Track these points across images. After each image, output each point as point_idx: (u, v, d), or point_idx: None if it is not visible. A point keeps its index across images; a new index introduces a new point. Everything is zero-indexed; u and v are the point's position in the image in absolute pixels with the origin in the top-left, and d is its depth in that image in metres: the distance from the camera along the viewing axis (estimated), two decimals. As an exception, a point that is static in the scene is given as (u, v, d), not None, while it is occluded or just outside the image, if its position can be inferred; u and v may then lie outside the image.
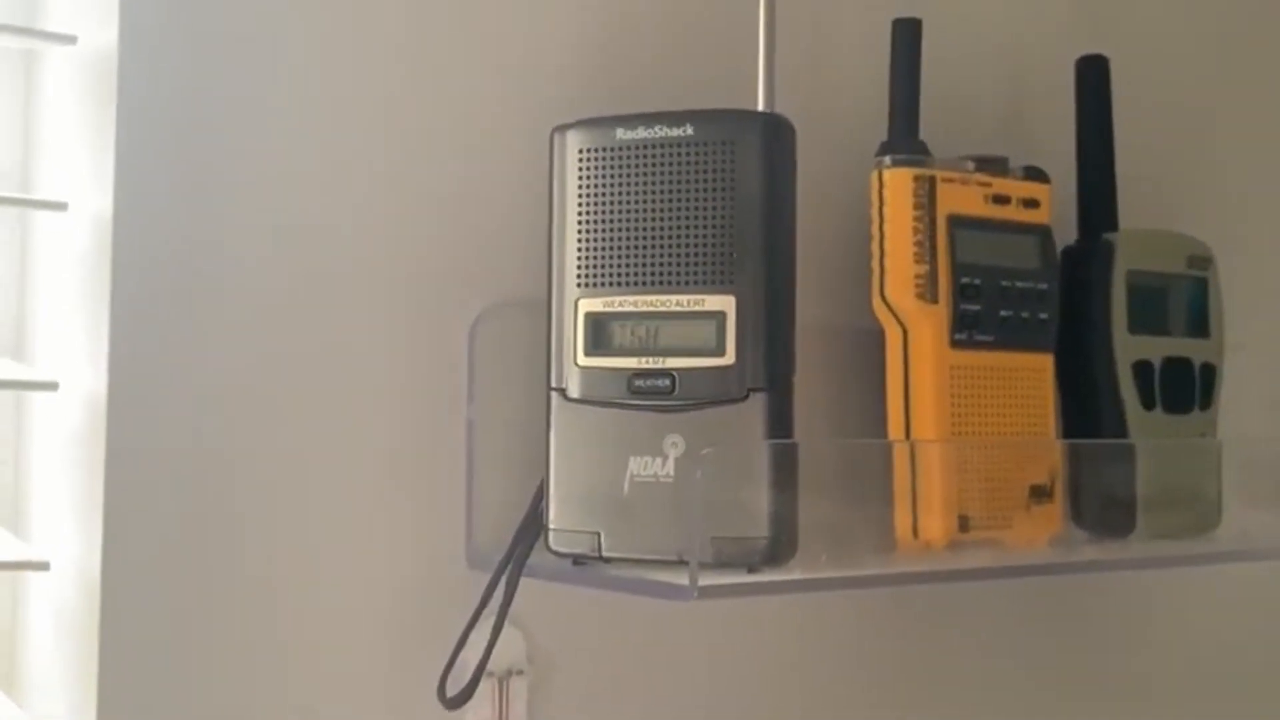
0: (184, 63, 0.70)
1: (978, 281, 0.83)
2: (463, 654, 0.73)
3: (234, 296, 0.71)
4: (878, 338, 0.83)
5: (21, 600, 0.74)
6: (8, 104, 0.74)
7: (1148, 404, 0.89)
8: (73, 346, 0.71)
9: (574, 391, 0.72)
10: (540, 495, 0.73)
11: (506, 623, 0.72)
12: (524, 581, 0.73)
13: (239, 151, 0.72)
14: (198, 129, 0.71)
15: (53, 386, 0.70)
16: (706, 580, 0.66)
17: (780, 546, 0.69)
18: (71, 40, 0.71)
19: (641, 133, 0.71)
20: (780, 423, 0.69)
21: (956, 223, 0.82)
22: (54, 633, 0.72)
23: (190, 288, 0.70)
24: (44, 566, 0.70)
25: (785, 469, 0.69)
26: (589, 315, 0.72)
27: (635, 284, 0.71)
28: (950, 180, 0.83)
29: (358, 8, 0.75)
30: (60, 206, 0.71)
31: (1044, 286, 0.85)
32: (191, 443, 0.70)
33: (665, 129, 0.71)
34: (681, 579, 0.66)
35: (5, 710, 0.71)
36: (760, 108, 0.73)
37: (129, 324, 0.68)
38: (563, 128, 0.73)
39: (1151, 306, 0.90)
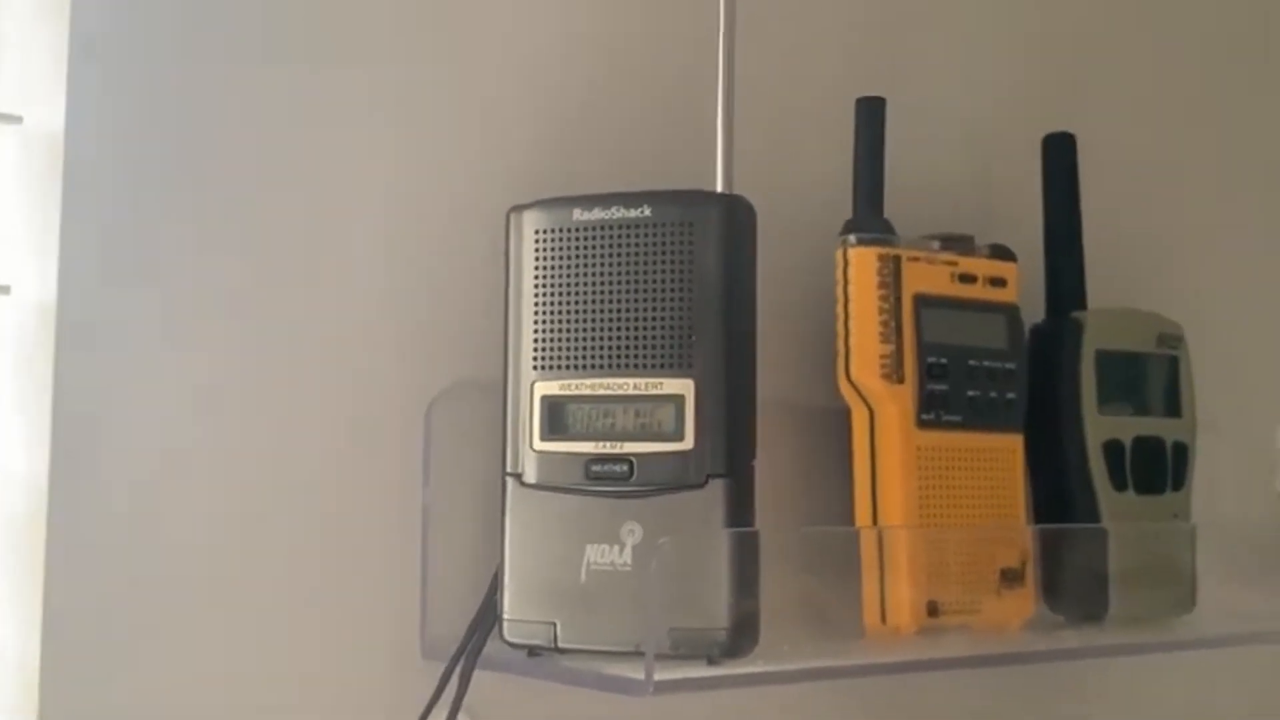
0: (131, 144, 0.69)
1: (944, 361, 0.82)
2: (416, 748, 0.71)
3: (181, 380, 0.70)
4: (844, 418, 0.82)
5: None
6: (-48, 184, 0.73)
7: (1119, 485, 0.88)
8: (12, 434, 0.69)
9: (530, 476, 0.70)
10: (496, 583, 0.71)
11: (460, 715, 0.71)
12: (479, 673, 0.71)
13: (186, 235, 0.71)
14: (144, 212, 0.70)
15: (-8, 474, 0.69)
16: (663, 675, 0.64)
17: (741, 638, 0.67)
18: (17, 120, 0.70)
19: (598, 214, 0.70)
20: (740, 510, 0.68)
21: (922, 302, 0.81)
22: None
23: (134, 372, 0.69)
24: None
25: (746, 558, 0.67)
26: (545, 398, 0.71)
27: (592, 367, 0.70)
28: (916, 259, 0.82)
29: (308, 89, 0.74)
30: (3, 290, 0.69)
31: (1012, 366, 0.84)
32: (134, 531, 0.68)
33: (623, 210, 0.70)
34: (638, 672, 0.64)
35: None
36: (719, 188, 0.72)
37: (71, 414, 0.67)
38: (519, 208, 0.72)
39: (1122, 386, 0.89)
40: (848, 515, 0.82)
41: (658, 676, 0.63)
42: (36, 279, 0.68)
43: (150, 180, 0.70)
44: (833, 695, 0.89)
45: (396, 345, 0.76)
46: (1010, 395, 0.84)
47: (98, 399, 0.68)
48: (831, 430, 0.84)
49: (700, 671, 0.66)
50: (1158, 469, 0.90)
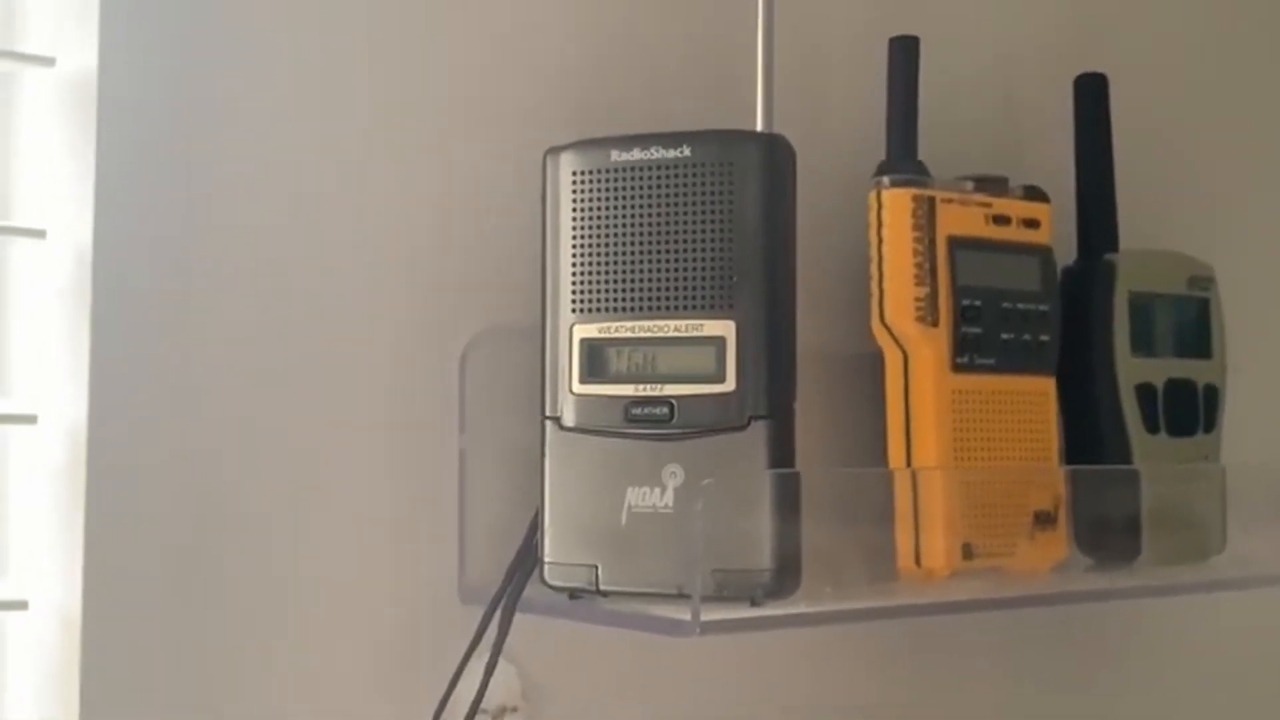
0: (165, 86, 0.69)
1: (979, 304, 0.81)
2: (456, 691, 0.71)
3: (218, 327, 0.69)
4: (877, 362, 0.82)
5: (-1, 640, 0.72)
6: (-16, 128, 0.72)
7: (1151, 427, 0.88)
8: (52, 379, 0.68)
9: (569, 420, 0.70)
10: (535, 527, 0.71)
11: (501, 659, 0.71)
12: (519, 616, 0.71)
13: (221, 177, 0.70)
14: (180, 154, 0.69)
15: (31, 420, 0.68)
16: (708, 615, 0.64)
17: (784, 578, 0.67)
18: (50, 62, 0.69)
19: (637, 154, 0.69)
20: (782, 451, 0.68)
21: (957, 244, 0.81)
22: (33, 673, 0.69)
23: (172, 318, 0.68)
24: (22, 606, 0.68)
25: (788, 499, 0.67)
26: (584, 341, 0.70)
27: (631, 309, 0.69)
28: (950, 200, 0.81)
29: (343, 33, 0.73)
30: (39, 234, 0.69)
31: (1045, 308, 0.84)
32: (175, 476, 0.68)
33: (661, 150, 0.69)
34: (682, 613, 0.64)
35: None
36: (759, 128, 0.72)
37: (110, 357, 0.66)
38: (556, 150, 0.71)
39: (1153, 328, 0.89)
40: (879, 462, 0.82)
41: (703, 618, 0.63)
42: (73, 223, 0.67)
43: (185, 120, 0.69)
44: (863, 637, 0.89)
45: (430, 290, 0.75)
46: (1044, 338, 0.84)
47: (136, 343, 0.67)
48: (865, 374, 0.83)
49: (744, 613, 0.66)
50: (1189, 411, 0.90)
